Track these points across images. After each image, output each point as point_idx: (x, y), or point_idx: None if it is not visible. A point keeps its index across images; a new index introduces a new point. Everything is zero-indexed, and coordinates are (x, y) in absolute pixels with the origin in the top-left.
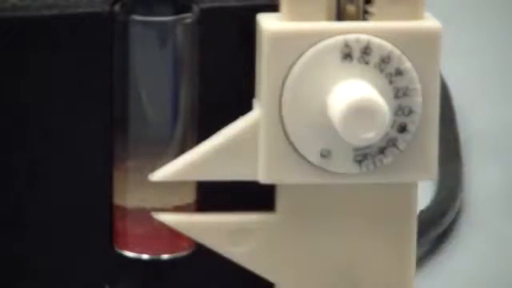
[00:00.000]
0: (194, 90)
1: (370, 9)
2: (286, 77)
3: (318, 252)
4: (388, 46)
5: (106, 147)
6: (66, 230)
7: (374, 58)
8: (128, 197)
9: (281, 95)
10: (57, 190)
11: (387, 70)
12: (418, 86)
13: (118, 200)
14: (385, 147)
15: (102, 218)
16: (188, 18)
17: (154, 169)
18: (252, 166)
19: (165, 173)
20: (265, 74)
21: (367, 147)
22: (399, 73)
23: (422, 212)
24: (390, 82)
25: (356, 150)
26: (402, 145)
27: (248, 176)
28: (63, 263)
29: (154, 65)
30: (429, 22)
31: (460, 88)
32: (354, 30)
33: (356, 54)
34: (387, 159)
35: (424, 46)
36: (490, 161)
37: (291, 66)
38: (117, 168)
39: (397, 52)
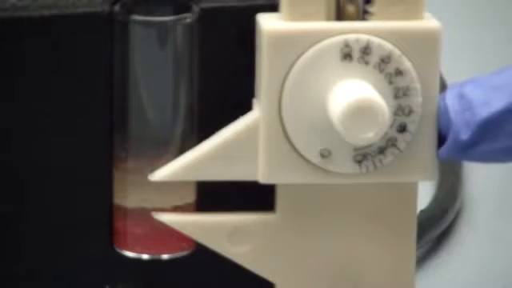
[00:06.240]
0: (194, 90)
1: (370, 9)
2: (286, 77)
3: (318, 252)
4: (388, 46)
5: (106, 147)
6: (66, 230)
7: (374, 58)
8: (128, 197)
9: (281, 95)
10: (57, 189)
11: (387, 70)
12: (418, 86)
13: (118, 200)
14: (385, 147)
15: (102, 218)
16: (188, 17)
17: (154, 169)
18: (252, 166)
19: (165, 173)
20: (265, 74)
21: (367, 147)
22: (399, 73)
23: (422, 212)
24: (390, 82)
25: (356, 149)
26: (401, 145)
27: (248, 176)
28: (63, 263)
29: (154, 65)
30: (429, 22)
31: None
32: (354, 30)
33: (356, 54)
34: (387, 159)
35: (424, 46)
36: None
37: (291, 66)
38: (117, 168)
39: (397, 52)
